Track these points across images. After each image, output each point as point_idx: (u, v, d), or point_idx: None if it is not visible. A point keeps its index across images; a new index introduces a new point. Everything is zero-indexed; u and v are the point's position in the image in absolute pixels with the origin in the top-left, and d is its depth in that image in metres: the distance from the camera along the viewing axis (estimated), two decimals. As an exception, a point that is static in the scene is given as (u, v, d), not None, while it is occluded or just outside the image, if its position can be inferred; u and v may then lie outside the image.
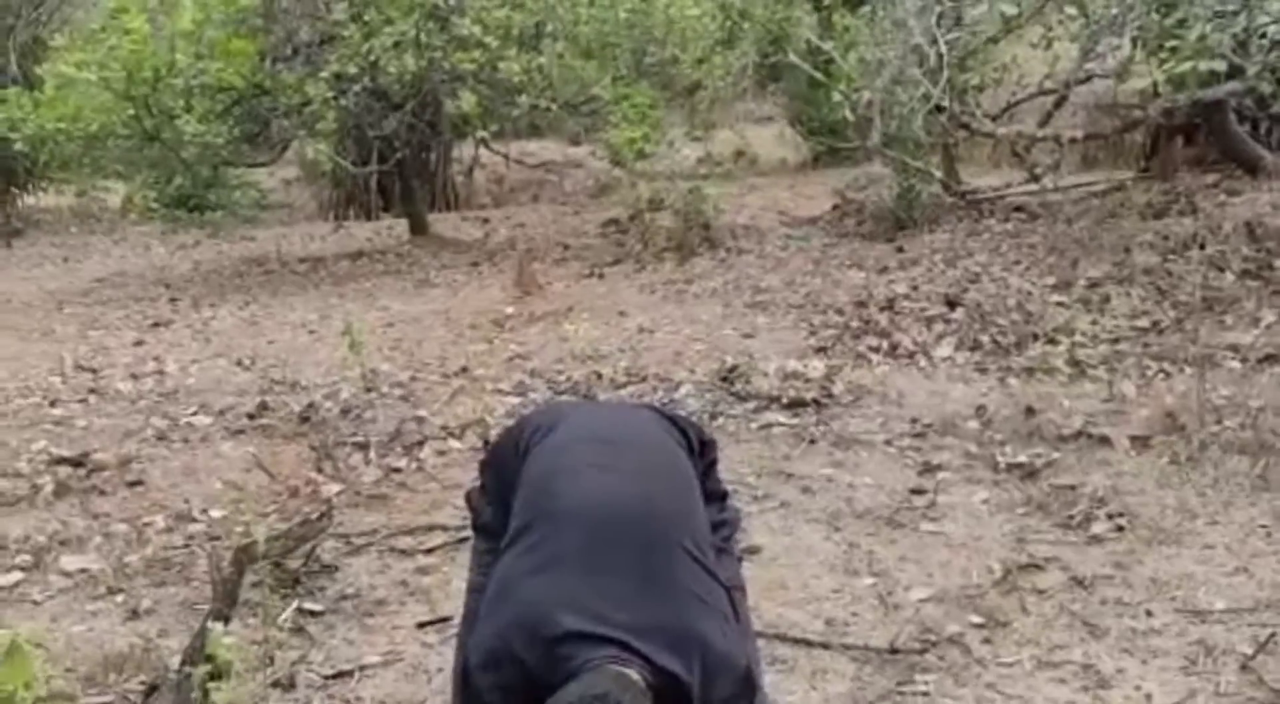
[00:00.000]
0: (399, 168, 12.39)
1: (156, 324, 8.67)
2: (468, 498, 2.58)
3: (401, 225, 12.79)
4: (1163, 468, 4.31)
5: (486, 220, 13.22)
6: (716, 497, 2.46)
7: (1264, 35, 7.31)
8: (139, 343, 7.95)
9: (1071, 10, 8.18)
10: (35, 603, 3.80)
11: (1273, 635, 3.08)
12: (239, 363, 7.02)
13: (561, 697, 1.83)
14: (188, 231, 13.20)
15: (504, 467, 2.38)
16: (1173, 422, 4.65)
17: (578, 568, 1.98)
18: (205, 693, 2.84)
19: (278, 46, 11.08)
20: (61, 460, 5.13)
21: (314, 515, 3.80)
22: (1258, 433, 4.46)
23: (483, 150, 14.96)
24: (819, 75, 10.88)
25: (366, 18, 9.93)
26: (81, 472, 4.99)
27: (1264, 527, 3.78)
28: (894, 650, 3.17)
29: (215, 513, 4.48)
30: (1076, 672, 3.03)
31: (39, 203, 17.61)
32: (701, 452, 2.45)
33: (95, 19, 11.70)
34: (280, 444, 5.29)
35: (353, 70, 9.85)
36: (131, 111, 9.58)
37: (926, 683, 3.02)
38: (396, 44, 9.67)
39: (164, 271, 11.79)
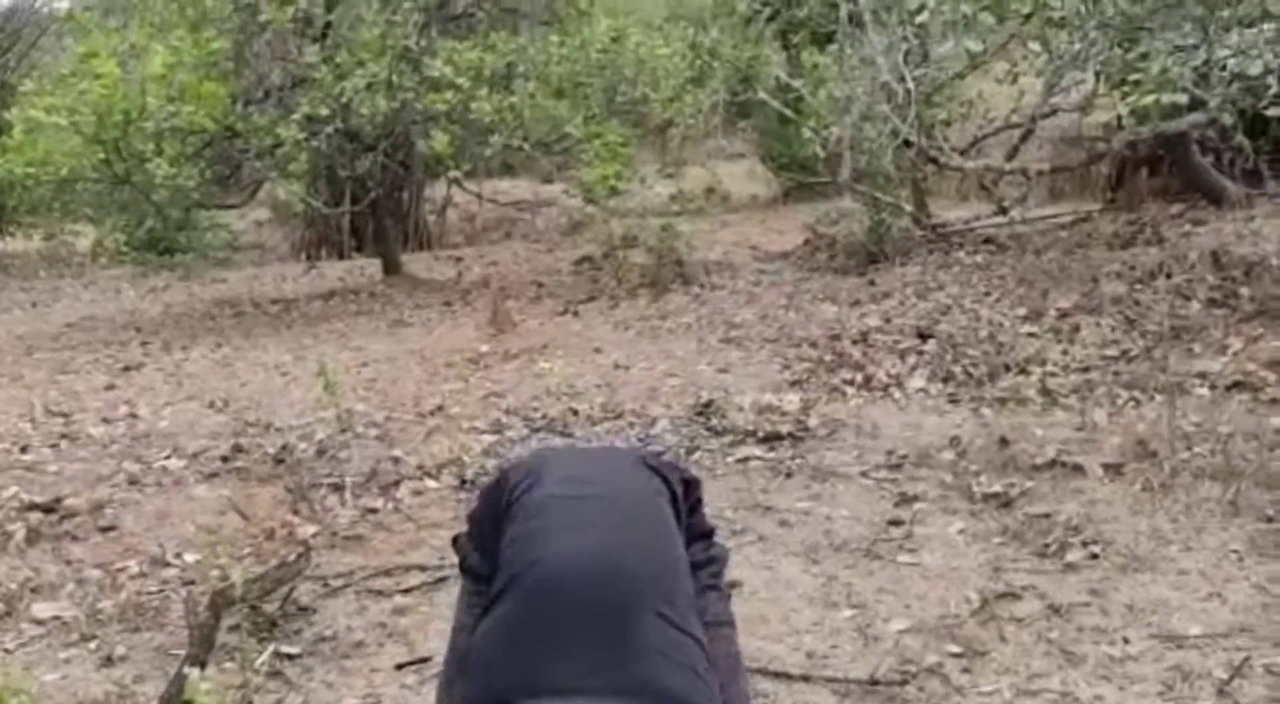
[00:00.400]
0: (372, 208, 12.41)
1: (128, 368, 8.61)
2: (454, 542, 2.58)
3: (374, 265, 12.79)
4: (1135, 495, 4.35)
5: (459, 259, 13.23)
6: (702, 535, 2.46)
7: (1224, 68, 7.44)
8: (110, 387, 7.90)
9: (1035, 47, 8.30)
10: (7, 651, 3.75)
11: (1247, 659, 3.10)
12: (212, 405, 6.99)
13: None
14: (158, 274, 13.17)
15: (489, 519, 2.39)
16: (1144, 449, 4.70)
17: (536, 643, 2.00)
18: (182, 739, 2.82)
19: (249, 89, 11.12)
20: (33, 507, 5.08)
21: (291, 557, 3.78)
22: (1228, 458, 4.51)
23: (455, 189, 15.00)
24: (789, 112, 11.00)
25: (338, 60, 9.99)
26: (53, 517, 4.94)
27: (1236, 552, 3.82)
28: (874, 682, 3.17)
29: (190, 557, 4.45)
30: (1055, 700, 3.04)
31: (6, 247, 17.53)
32: (685, 493, 2.46)
33: (63, 64, 11.72)
34: (255, 486, 5.26)
35: (325, 112, 9.89)
36: (102, 155, 9.57)
37: (907, 714, 3.03)
38: (369, 86, 9.72)
39: (134, 315, 11.72)
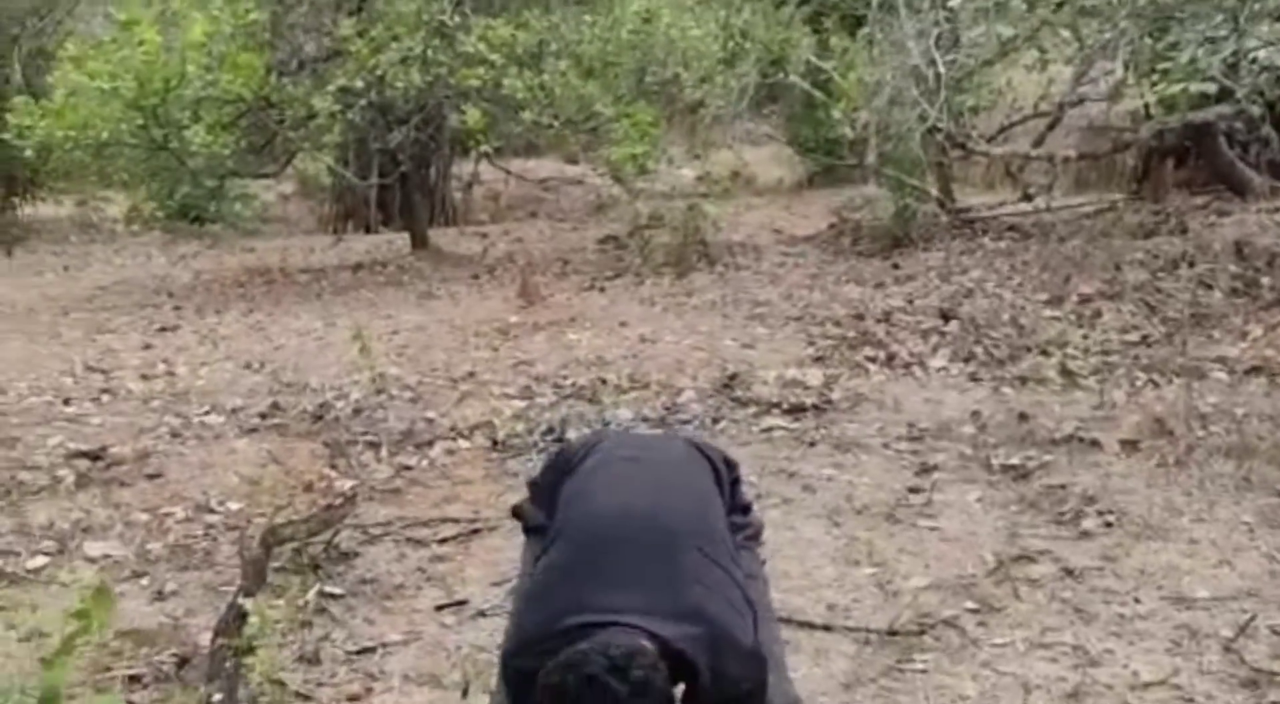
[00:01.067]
0: (401, 182, 12.55)
1: (163, 329, 8.78)
2: (514, 511, 2.80)
3: (401, 239, 12.94)
4: (1151, 470, 4.48)
5: (485, 235, 13.36)
6: (740, 509, 2.66)
7: (1254, 59, 7.51)
8: (147, 347, 8.07)
9: (1065, 34, 8.37)
10: (63, 585, 3.92)
11: (1252, 619, 3.23)
12: (248, 366, 7.16)
13: (573, 653, 1.97)
14: (187, 242, 13.37)
15: (550, 483, 2.60)
16: (1161, 427, 4.82)
17: (590, 574, 2.17)
18: (239, 664, 2.97)
19: (284, 61, 11.25)
20: (79, 454, 5.26)
21: (337, 502, 3.93)
22: (1243, 437, 4.62)
23: (481, 167, 15.14)
24: (818, 95, 11.08)
25: (373, 33, 10.11)
26: (100, 464, 5.13)
27: (1247, 523, 3.94)
28: (893, 632, 3.32)
29: (233, 505, 4.62)
30: (1067, 652, 3.18)
31: (38, 212, 17.75)
32: (728, 471, 2.66)
33: (99, 30, 11.88)
34: (294, 442, 5.42)
35: (359, 85, 10.02)
36: (140, 121, 9.72)
37: (924, 661, 3.17)
38: (403, 60, 9.84)
39: (166, 280, 11.90)
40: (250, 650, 3.00)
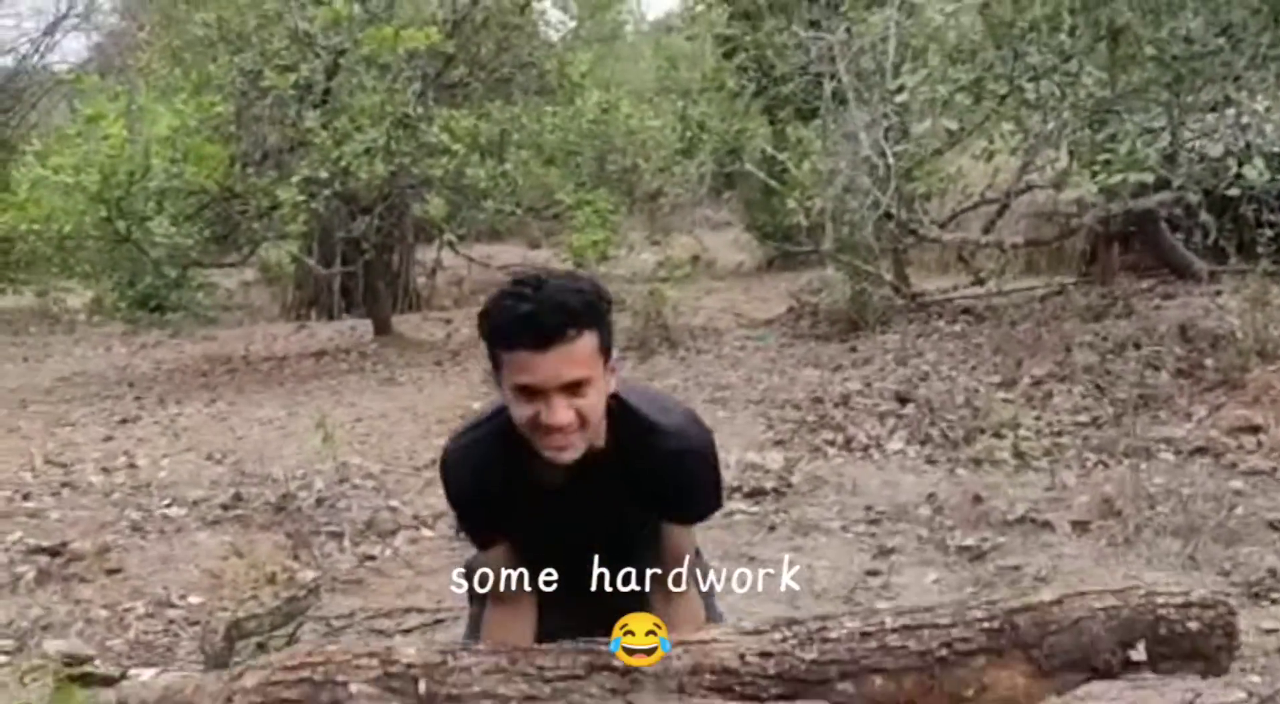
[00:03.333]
0: (364, 269, 12.65)
1: (124, 420, 8.77)
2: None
3: (364, 325, 13.01)
4: (1101, 549, 4.59)
5: (449, 321, 13.46)
6: None
7: (1190, 149, 7.81)
8: (108, 439, 8.06)
9: (1010, 127, 8.66)
10: (23, 684, 3.90)
11: (1198, 696, 3.31)
12: (209, 457, 7.16)
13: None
14: (148, 332, 13.36)
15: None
16: (1110, 508, 4.93)
17: None
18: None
19: (248, 152, 11.41)
20: (39, 550, 5.23)
21: (300, 595, 3.96)
22: (1188, 517, 4.74)
23: (445, 253, 15.29)
24: (773, 183, 11.34)
25: (337, 125, 10.29)
26: (60, 560, 5.09)
27: (1194, 602, 4.03)
28: (852, 717, 3.36)
29: (194, 599, 4.61)
30: (1022, 734, 3.23)
31: (-2, 303, 17.72)
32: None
33: (65, 123, 12.00)
34: (256, 533, 5.42)
35: (323, 175, 10.18)
36: (104, 214, 9.80)
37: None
38: (367, 150, 10.00)
39: (126, 371, 11.89)
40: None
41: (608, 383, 2.00)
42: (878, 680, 1.84)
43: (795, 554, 4.83)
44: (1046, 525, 4.89)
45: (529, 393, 1.89)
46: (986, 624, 1.91)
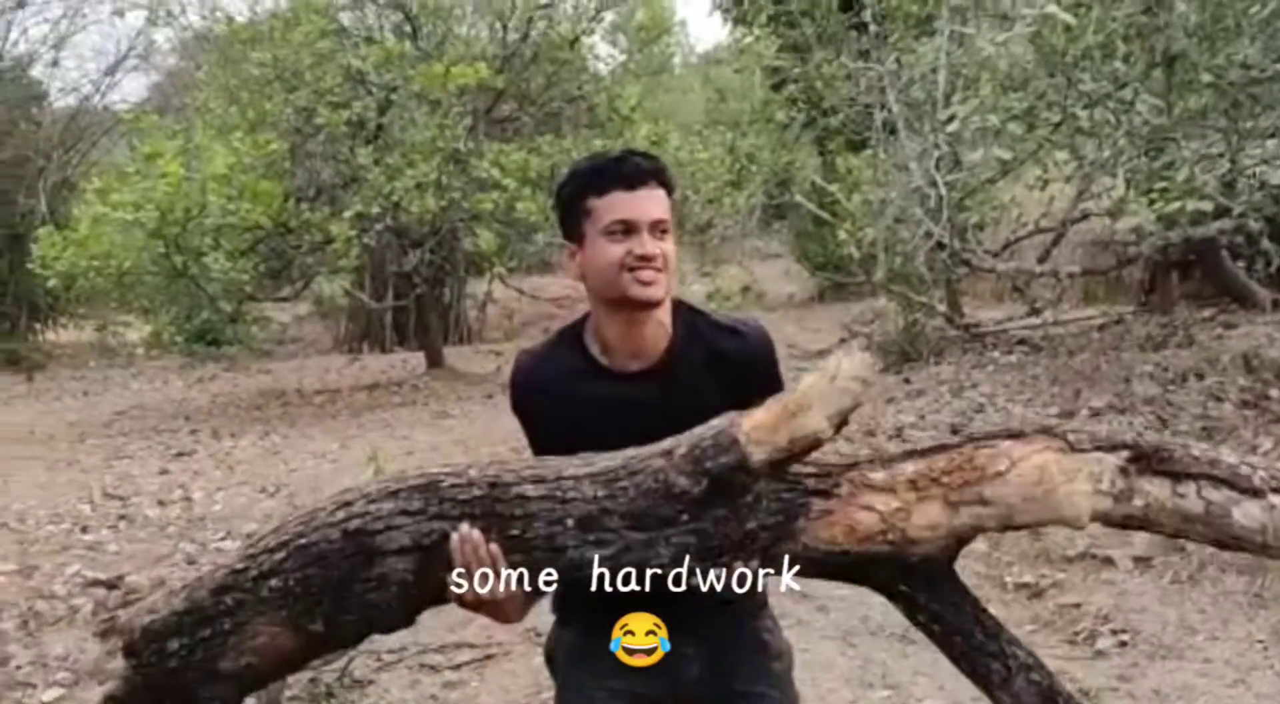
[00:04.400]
0: (416, 303, 12.75)
1: (180, 454, 8.87)
2: None
3: (417, 358, 13.10)
4: (1164, 587, 4.47)
5: (499, 353, 13.51)
6: None
7: (1251, 176, 7.67)
8: (164, 472, 8.14)
9: (1064, 155, 8.56)
10: (78, 719, 3.93)
11: None
12: (263, 490, 7.21)
13: None
14: (204, 366, 13.55)
15: None
16: (1173, 543, 4.81)
17: None
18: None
19: (302, 188, 11.58)
20: (96, 582, 5.29)
21: (350, 629, 3.94)
22: (1256, 553, 4.61)
23: (496, 285, 15.39)
24: (824, 215, 11.30)
25: (389, 160, 10.41)
26: (117, 593, 5.14)
27: (1261, 642, 3.92)
28: (910, 758, 3.30)
29: (247, 632, 4.62)
30: (1086, 778, 3.15)
31: (58, 338, 18.05)
32: None
33: (123, 162, 12.25)
34: (308, 567, 5.43)
35: (375, 210, 10.29)
36: (162, 249, 9.96)
37: (942, 789, 3.14)
38: (418, 185, 10.11)
39: (183, 404, 12.04)
40: (264, 784, 3.00)
41: None
42: (909, 466, 1.82)
43: (850, 591, 4.74)
44: (1108, 561, 4.78)
45: (622, 230, 1.97)
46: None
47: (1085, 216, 9.83)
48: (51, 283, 10.88)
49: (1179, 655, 3.87)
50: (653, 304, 1.99)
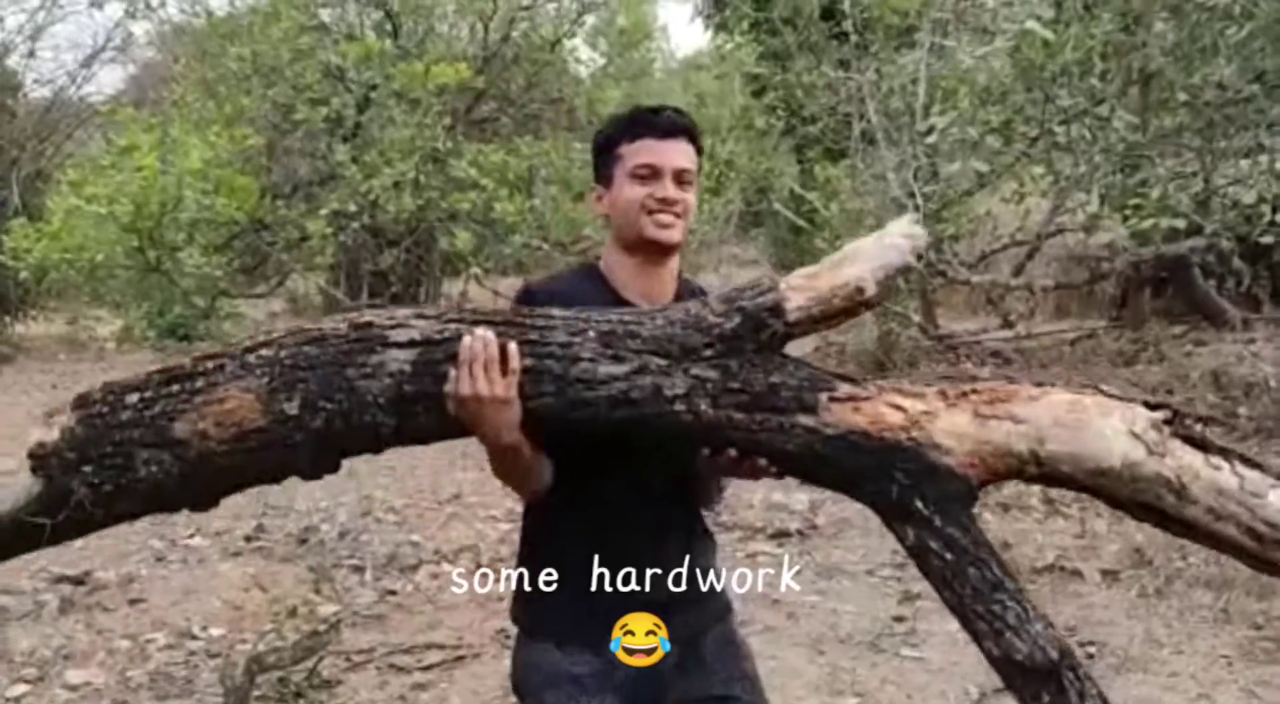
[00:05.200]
0: (391, 302, 12.70)
1: (150, 449, 8.78)
2: None
3: (391, 358, 13.04)
4: (1131, 600, 4.51)
5: (474, 355, 13.46)
6: None
7: (1223, 195, 7.75)
8: (133, 467, 8.06)
9: (1040, 170, 8.63)
10: (43, 714, 3.89)
11: None
12: (234, 488, 7.15)
13: None
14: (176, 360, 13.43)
15: None
16: (1141, 557, 4.86)
17: None
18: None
19: (278, 184, 11.53)
20: (63, 578, 5.23)
21: (321, 629, 3.93)
22: (1221, 568, 4.65)
23: (471, 285, 15.35)
24: (802, 223, 11.33)
25: (367, 158, 10.38)
26: (83, 589, 5.10)
27: (1225, 656, 3.96)
28: (877, 767, 3.31)
29: (215, 631, 4.59)
30: (1051, 789, 3.16)
31: (28, 331, 17.83)
32: None
33: (97, 153, 12.16)
34: (278, 566, 5.41)
35: (352, 208, 10.25)
36: (135, 243, 9.89)
37: (908, 798, 3.16)
38: (396, 184, 10.09)
39: (155, 399, 11.91)
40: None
41: None
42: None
43: (819, 597, 4.77)
44: (1076, 574, 4.82)
45: (648, 173, 2.05)
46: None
47: (1060, 231, 9.90)
48: (23, 275, 10.76)
49: (1144, 669, 3.90)
50: (669, 247, 2.06)
